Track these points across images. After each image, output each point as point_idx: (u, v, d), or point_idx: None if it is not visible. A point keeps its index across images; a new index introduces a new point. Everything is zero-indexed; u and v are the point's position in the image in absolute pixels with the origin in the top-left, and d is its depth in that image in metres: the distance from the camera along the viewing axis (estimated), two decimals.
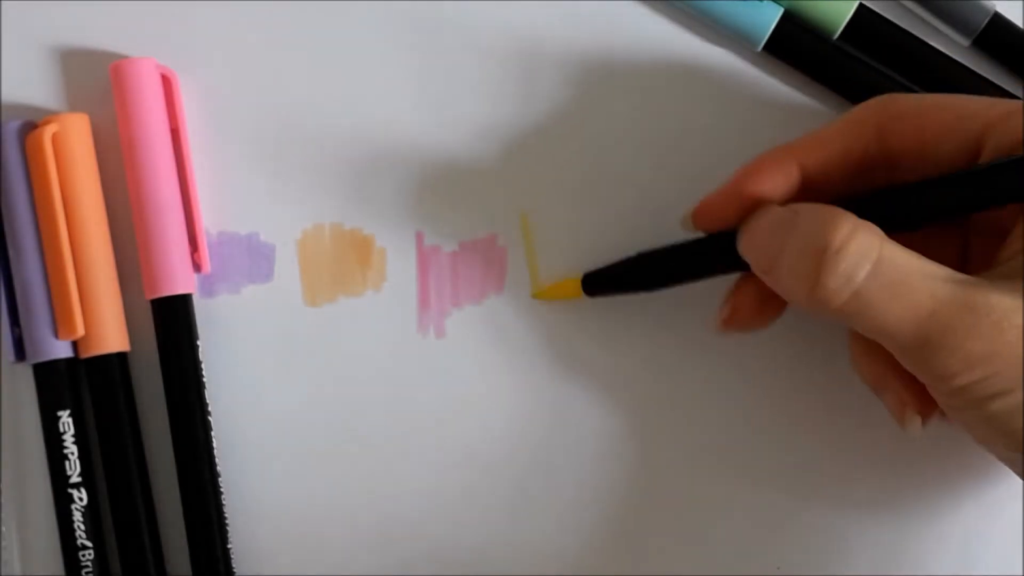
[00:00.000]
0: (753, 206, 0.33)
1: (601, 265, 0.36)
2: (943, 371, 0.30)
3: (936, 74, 0.37)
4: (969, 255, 0.34)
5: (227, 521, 0.36)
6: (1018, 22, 0.37)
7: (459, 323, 0.38)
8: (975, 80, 0.37)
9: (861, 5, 0.37)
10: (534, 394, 0.38)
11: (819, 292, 0.30)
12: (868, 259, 0.30)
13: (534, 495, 0.38)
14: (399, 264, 0.38)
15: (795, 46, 0.37)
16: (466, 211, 0.38)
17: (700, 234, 0.35)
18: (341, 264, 0.38)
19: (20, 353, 0.36)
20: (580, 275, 0.37)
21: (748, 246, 0.33)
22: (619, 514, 0.38)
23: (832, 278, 0.30)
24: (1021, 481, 0.37)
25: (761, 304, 0.35)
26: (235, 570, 0.36)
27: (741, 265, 0.33)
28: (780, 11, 0.37)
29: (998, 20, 0.37)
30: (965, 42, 0.37)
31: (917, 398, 0.33)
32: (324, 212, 0.38)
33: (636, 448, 0.38)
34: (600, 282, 0.36)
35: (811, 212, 0.31)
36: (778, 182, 0.33)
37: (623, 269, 0.36)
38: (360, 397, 0.37)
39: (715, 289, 0.37)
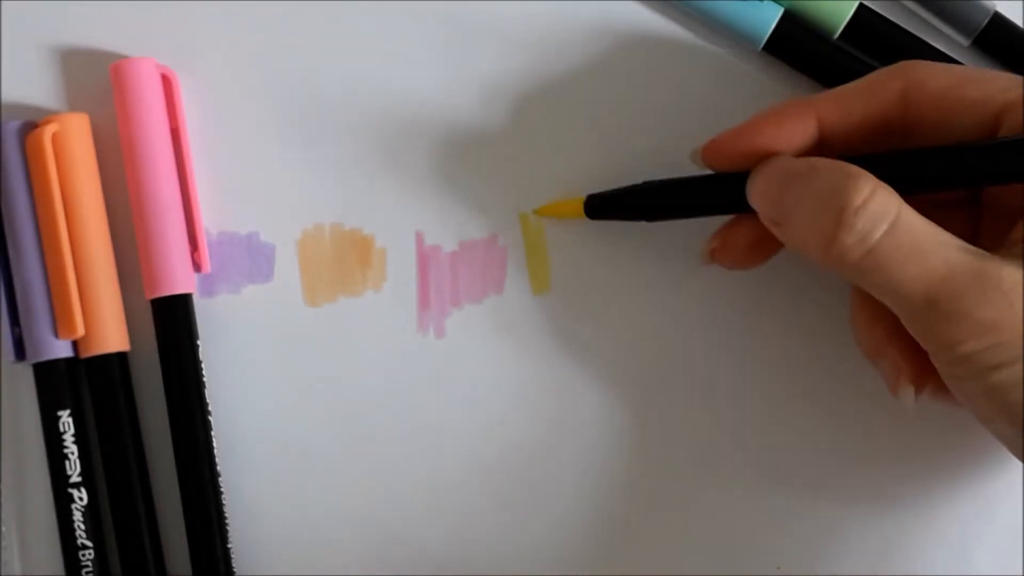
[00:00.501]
0: (766, 152, 0.33)
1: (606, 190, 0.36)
2: (949, 337, 0.30)
3: None
4: (980, 237, 0.34)
5: (227, 521, 0.36)
6: (1018, 22, 0.37)
7: (459, 323, 0.38)
8: None
9: (861, 5, 0.37)
10: (534, 394, 0.38)
11: (835, 247, 0.30)
12: (886, 219, 0.30)
13: (534, 495, 0.38)
14: (399, 264, 0.38)
15: (795, 46, 0.37)
16: (466, 211, 0.38)
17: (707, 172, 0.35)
18: (341, 264, 0.38)
19: (20, 353, 0.36)
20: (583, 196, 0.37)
21: (758, 194, 0.33)
22: (621, 514, 0.38)
23: (849, 234, 0.30)
24: (1021, 481, 0.37)
25: (752, 245, 0.35)
26: (235, 570, 0.36)
27: (745, 208, 0.33)
28: (780, 11, 0.37)
29: (998, 20, 0.37)
30: (965, 42, 0.37)
31: (913, 368, 0.33)
32: (324, 212, 0.38)
33: (638, 447, 0.38)
34: (603, 205, 0.36)
35: (830, 167, 0.31)
36: (795, 132, 0.33)
37: (628, 194, 0.36)
38: (360, 397, 0.37)
39: (719, 288, 0.37)
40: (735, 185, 0.34)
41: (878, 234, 0.30)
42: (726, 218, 0.36)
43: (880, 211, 0.30)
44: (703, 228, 0.36)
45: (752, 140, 0.34)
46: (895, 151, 0.33)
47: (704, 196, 0.35)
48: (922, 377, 0.33)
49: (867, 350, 0.35)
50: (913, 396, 0.33)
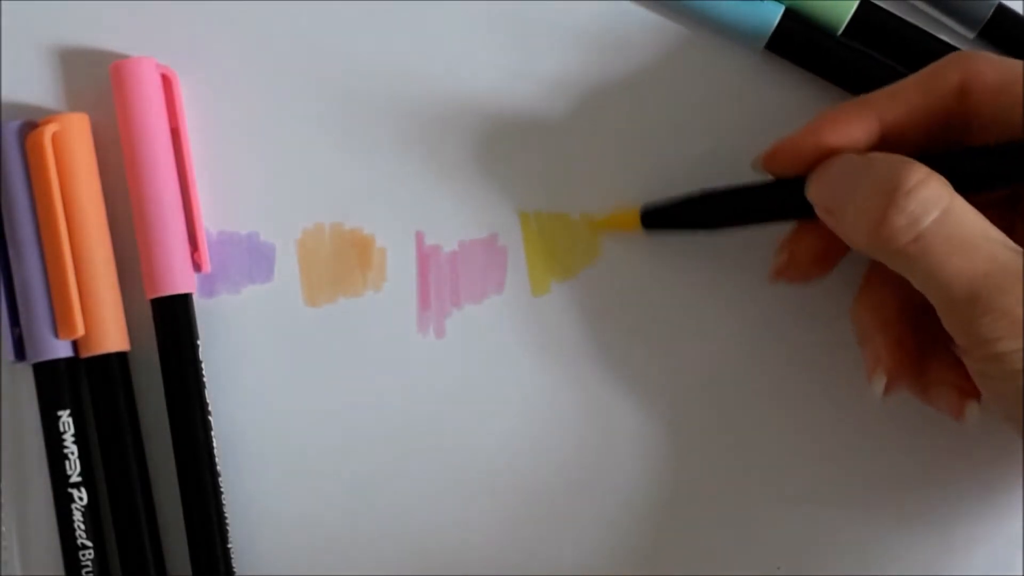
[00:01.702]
0: (827, 155, 0.33)
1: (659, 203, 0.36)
2: (987, 334, 0.30)
3: None
4: (1014, 238, 0.34)
5: (227, 521, 0.36)
6: (1022, 13, 0.37)
7: (459, 323, 0.37)
8: None
9: (864, 0, 0.36)
10: (534, 394, 0.37)
11: (884, 229, 0.30)
12: (937, 207, 0.30)
13: (534, 496, 0.37)
14: (399, 264, 0.38)
15: (798, 44, 0.37)
16: (466, 211, 0.38)
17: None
18: (341, 264, 0.38)
19: (20, 353, 0.36)
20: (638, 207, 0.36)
21: (817, 188, 0.33)
22: (621, 514, 0.38)
23: (899, 216, 0.30)
24: (1021, 481, 0.36)
25: (816, 254, 0.35)
26: (235, 570, 0.36)
27: (804, 211, 0.33)
28: (782, 9, 0.36)
29: (1003, 11, 0.36)
30: (970, 34, 0.37)
31: (892, 362, 0.33)
32: (324, 212, 0.37)
33: (639, 448, 0.37)
34: (659, 216, 0.36)
35: (886, 157, 0.32)
36: (856, 133, 0.33)
37: (685, 204, 0.36)
38: (359, 397, 0.37)
39: (724, 288, 0.37)
40: (794, 189, 0.34)
41: (928, 220, 0.30)
42: (785, 233, 0.35)
43: (932, 197, 0.30)
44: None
45: (813, 143, 0.34)
46: (950, 151, 0.33)
47: (765, 202, 0.35)
48: (898, 372, 0.33)
49: (857, 332, 0.35)
50: (883, 386, 0.33)
